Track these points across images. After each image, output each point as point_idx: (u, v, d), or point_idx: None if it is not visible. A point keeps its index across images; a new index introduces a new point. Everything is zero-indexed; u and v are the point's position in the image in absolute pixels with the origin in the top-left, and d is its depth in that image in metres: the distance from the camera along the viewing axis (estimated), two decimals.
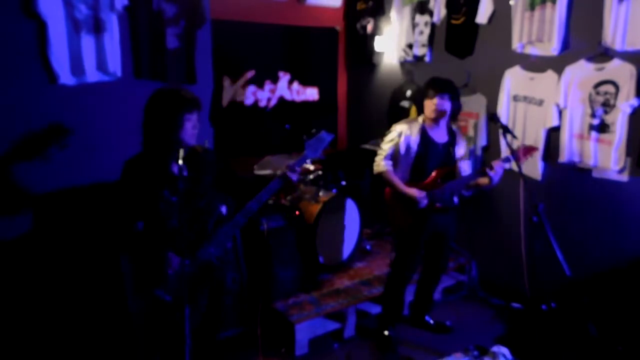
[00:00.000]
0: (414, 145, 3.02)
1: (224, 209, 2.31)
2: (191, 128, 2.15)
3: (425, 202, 2.97)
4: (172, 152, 2.16)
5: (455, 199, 3.14)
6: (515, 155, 2.82)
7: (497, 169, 2.89)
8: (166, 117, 2.12)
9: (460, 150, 3.12)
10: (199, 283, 2.23)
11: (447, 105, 2.95)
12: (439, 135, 3.06)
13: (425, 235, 3.12)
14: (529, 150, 2.96)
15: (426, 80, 3.08)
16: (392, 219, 3.16)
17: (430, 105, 2.97)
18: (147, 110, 2.15)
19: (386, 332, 3.23)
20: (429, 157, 3.03)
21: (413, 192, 2.97)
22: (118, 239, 2.23)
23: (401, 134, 3.05)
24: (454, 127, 3.13)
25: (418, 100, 3.36)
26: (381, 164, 3.08)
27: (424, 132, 3.03)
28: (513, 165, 3.51)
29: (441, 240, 3.21)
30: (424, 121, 3.06)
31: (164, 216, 2.16)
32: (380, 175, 3.08)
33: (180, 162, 2.00)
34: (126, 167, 2.16)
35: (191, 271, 2.19)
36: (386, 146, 3.09)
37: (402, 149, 3.04)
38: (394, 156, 3.08)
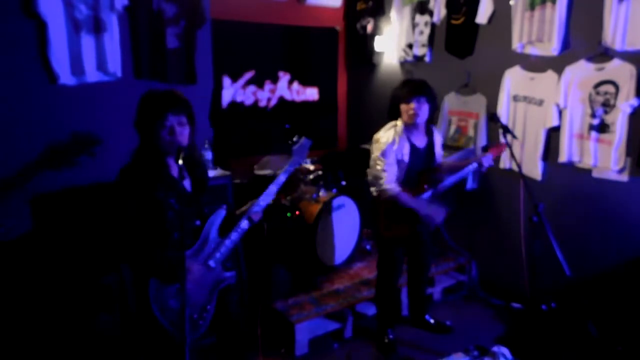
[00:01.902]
0: (406, 156, 2.93)
1: (224, 211, 2.28)
2: (167, 134, 2.01)
3: (442, 218, 2.91)
4: (161, 159, 2.08)
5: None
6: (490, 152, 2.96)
7: (486, 164, 2.97)
8: (140, 124, 2.04)
9: (438, 146, 3.10)
10: (210, 292, 2.17)
11: (424, 108, 2.87)
12: (419, 139, 3.00)
13: (404, 237, 3.07)
14: (497, 149, 3.06)
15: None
16: (383, 226, 3.01)
17: (407, 109, 2.87)
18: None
19: (386, 340, 3.20)
20: (414, 165, 2.97)
21: (431, 212, 2.88)
22: (124, 250, 2.13)
23: (393, 145, 2.90)
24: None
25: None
26: (389, 187, 2.85)
27: (408, 139, 2.95)
28: (513, 165, 3.53)
29: (419, 238, 3.18)
30: (404, 126, 2.95)
31: (169, 225, 2.06)
32: (393, 198, 2.86)
33: (180, 162, 1.94)
34: (123, 176, 2.03)
35: (205, 279, 2.14)
36: (382, 166, 2.88)
37: (396, 160, 2.94)
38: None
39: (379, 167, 2.89)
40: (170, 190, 2.08)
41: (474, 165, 2.98)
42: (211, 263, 2.18)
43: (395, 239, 3.05)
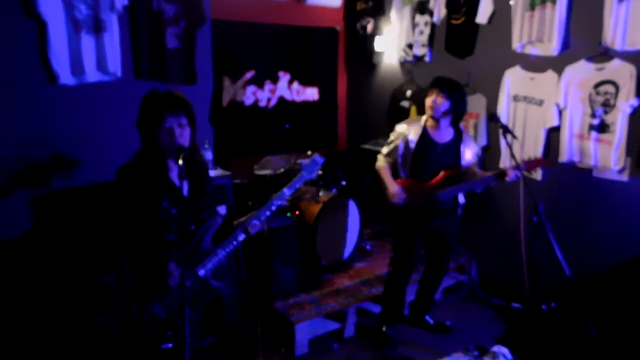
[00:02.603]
0: (412, 145, 3.03)
1: (223, 210, 2.27)
2: (166, 135, 1.99)
3: (399, 200, 3.02)
4: (161, 160, 2.07)
5: (462, 199, 3.12)
6: (521, 168, 2.76)
7: (512, 176, 2.81)
8: (141, 125, 2.04)
9: (469, 152, 3.04)
10: (196, 299, 2.14)
11: (443, 104, 2.90)
12: (440, 135, 3.02)
13: (422, 235, 3.11)
14: (534, 164, 2.87)
15: (429, 80, 3.08)
16: (391, 216, 3.15)
17: (427, 102, 2.97)
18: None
19: (384, 328, 3.23)
20: (428, 157, 3.00)
21: (392, 188, 3.02)
22: (118, 248, 2.12)
23: (400, 134, 3.08)
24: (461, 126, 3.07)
25: (418, 100, 3.36)
26: (380, 159, 3.19)
27: (423, 132, 3.02)
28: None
29: (441, 240, 3.20)
30: (426, 121, 3.06)
31: (162, 228, 2.05)
32: (377, 171, 3.18)
33: (180, 162, 1.93)
34: (121, 174, 2.05)
35: (192, 286, 2.10)
36: (387, 147, 3.16)
37: (401, 149, 3.06)
38: (394, 155, 3.11)
39: (385, 149, 3.19)
40: (164, 192, 2.07)
41: (491, 178, 2.90)
42: (200, 271, 2.13)
43: (414, 231, 3.06)
